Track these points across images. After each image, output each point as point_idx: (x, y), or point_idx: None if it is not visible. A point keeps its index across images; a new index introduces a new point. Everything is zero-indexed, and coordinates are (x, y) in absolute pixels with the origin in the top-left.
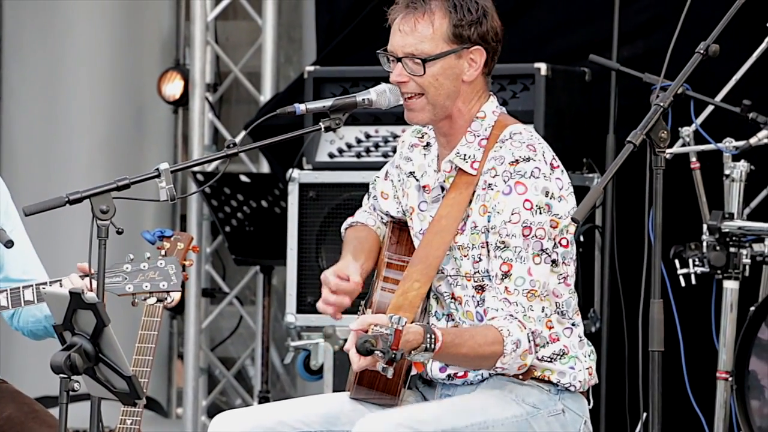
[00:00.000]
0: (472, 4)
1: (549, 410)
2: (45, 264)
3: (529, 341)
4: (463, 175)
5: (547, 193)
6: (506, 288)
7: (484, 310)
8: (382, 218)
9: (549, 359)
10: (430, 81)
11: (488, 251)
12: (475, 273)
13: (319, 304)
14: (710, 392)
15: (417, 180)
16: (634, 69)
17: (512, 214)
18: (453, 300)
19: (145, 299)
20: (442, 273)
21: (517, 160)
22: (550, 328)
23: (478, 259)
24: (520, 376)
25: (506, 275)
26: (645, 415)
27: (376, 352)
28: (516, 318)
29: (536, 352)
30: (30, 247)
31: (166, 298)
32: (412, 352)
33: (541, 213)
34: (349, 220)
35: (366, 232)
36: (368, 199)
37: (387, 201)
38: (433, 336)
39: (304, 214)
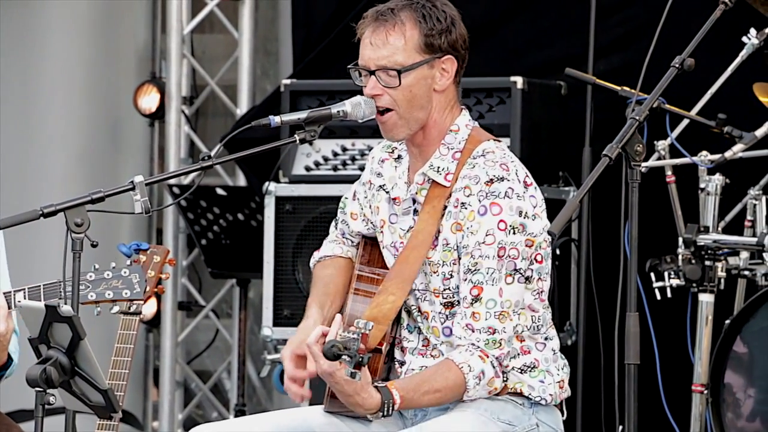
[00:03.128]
0: (440, 14)
1: (523, 426)
2: (19, 277)
3: (494, 367)
4: (436, 188)
5: (521, 213)
6: (473, 313)
7: (449, 329)
8: (352, 242)
9: (519, 370)
10: (404, 93)
11: (459, 270)
12: (445, 290)
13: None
14: (686, 405)
15: (387, 193)
16: (610, 83)
17: (486, 235)
18: (420, 314)
19: (110, 309)
20: (411, 288)
21: (491, 180)
22: (521, 341)
23: (448, 276)
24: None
25: (476, 299)
26: (621, 427)
27: (343, 356)
28: (478, 348)
29: (504, 374)
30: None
31: (130, 307)
32: (369, 416)
33: (515, 233)
34: (317, 254)
35: (333, 267)
36: (336, 226)
37: (356, 221)
38: (390, 401)
39: (280, 227)
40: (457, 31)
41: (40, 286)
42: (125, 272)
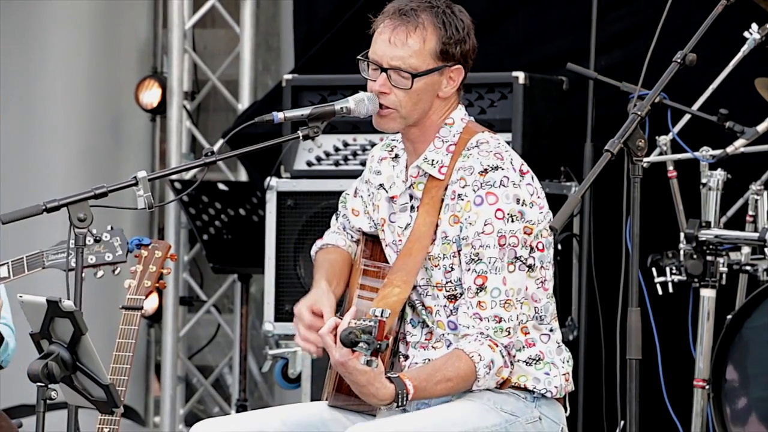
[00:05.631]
0: (459, 22)
1: (526, 418)
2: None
3: (503, 356)
4: (433, 181)
5: (518, 200)
6: (479, 302)
7: (453, 323)
8: (352, 237)
9: (525, 363)
10: (411, 96)
11: (460, 262)
12: (447, 283)
13: (298, 341)
14: (687, 400)
15: (386, 191)
16: (612, 78)
17: (485, 225)
18: (424, 308)
19: (95, 274)
20: (414, 282)
21: (486, 170)
22: (526, 333)
23: (449, 269)
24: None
25: (481, 288)
26: (622, 422)
27: (360, 343)
28: (488, 336)
29: (512, 364)
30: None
31: (114, 270)
32: (383, 407)
33: (513, 221)
34: (319, 242)
35: (337, 253)
36: (337, 219)
37: (358, 217)
38: (404, 391)
39: (282, 223)
40: (471, 41)
41: (22, 257)
42: (106, 236)
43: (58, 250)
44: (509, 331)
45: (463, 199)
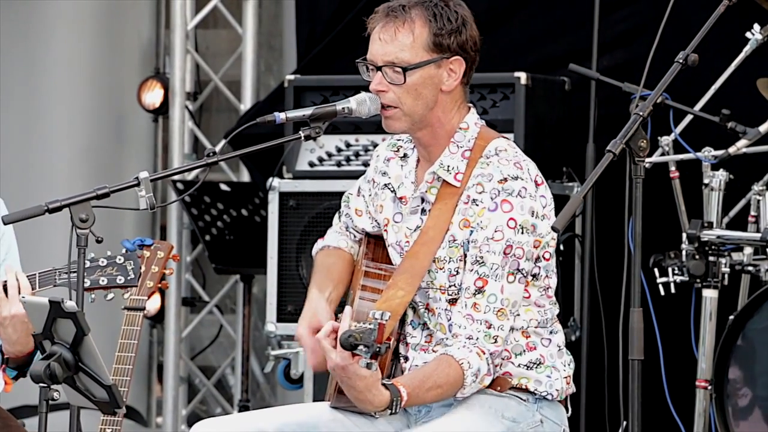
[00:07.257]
0: (452, 14)
1: (528, 422)
2: (24, 272)
3: (488, 364)
4: (447, 187)
5: (532, 213)
6: (475, 304)
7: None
8: (355, 237)
9: (526, 367)
10: (409, 90)
11: (465, 265)
12: (450, 286)
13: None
14: (689, 400)
15: (393, 192)
16: (614, 78)
17: (495, 231)
18: (427, 310)
19: (105, 296)
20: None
21: (505, 179)
22: (527, 337)
23: (454, 273)
24: (498, 387)
25: (479, 291)
26: (625, 423)
27: (360, 346)
28: (477, 342)
29: (495, 372)
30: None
31: (124, 294)
32: (377, 413)
33: (524, 233)
34: (320, 242)
35: (336, 257)
36: (339, 218)
37: (361, 218)
38: (398, 398)
39: (284, 223)
40: (468, 32)
41: (35, 274)
42: (120, 259)
43: (71, 269)
44: (496, 339)
45: (477, 205)
